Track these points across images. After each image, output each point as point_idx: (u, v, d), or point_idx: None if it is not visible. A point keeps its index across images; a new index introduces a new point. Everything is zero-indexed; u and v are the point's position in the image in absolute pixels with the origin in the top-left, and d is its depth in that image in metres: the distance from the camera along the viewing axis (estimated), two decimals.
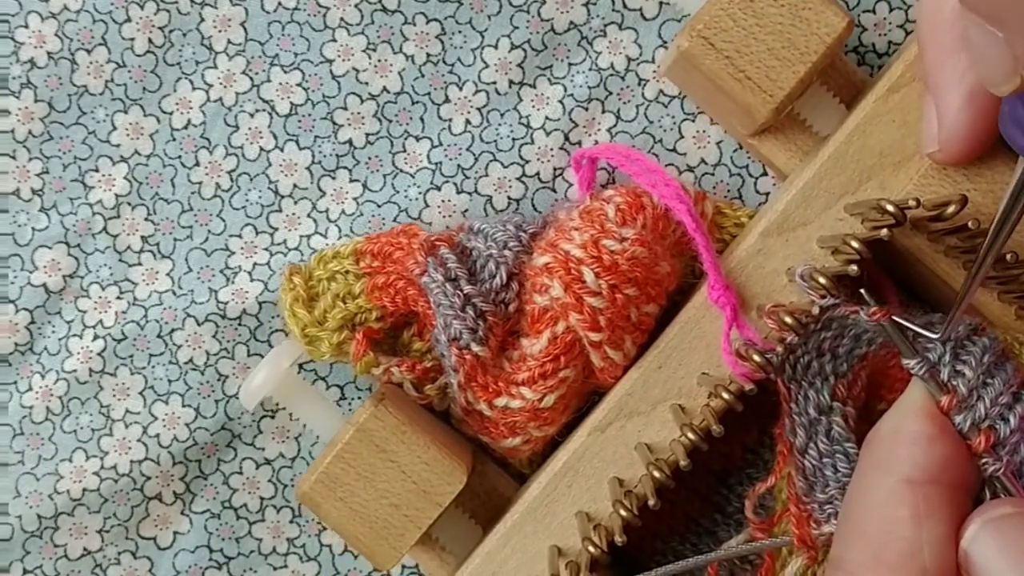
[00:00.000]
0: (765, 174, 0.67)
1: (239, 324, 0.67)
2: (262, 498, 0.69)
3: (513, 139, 0.67)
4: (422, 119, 0.67)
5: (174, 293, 0.68)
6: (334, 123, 0.67)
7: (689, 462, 0.57)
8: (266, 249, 0.68)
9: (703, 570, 0.60)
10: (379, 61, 0.67)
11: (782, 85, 0.59)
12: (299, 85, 0.67)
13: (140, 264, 0.68)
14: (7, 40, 0.67)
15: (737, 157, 0.67)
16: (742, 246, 0.60)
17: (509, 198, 0.67)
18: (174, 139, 0.68)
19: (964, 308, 0.53)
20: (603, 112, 0.67)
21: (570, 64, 0.67)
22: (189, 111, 0.67)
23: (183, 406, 0.67)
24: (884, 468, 0.50)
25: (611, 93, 0.67)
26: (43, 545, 0.68)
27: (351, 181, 0.67)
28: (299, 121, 0.67)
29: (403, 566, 0.69)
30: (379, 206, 0.67)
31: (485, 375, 0.61)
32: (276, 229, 0.68)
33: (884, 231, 0.54)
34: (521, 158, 0.67)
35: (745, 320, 0.58)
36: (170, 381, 0.68)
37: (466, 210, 0.67)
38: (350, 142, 0.67)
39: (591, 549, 0.57)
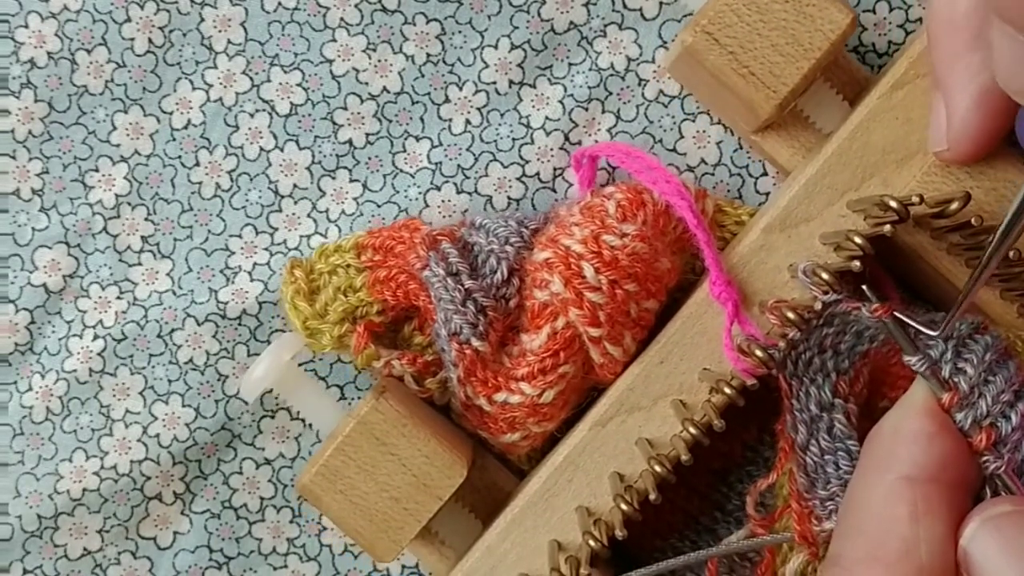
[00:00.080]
0: (765, 174, 0.67)
1: (239, 324, 0.67)
2: (262, 498, 0.69)
3: (513, 139, 0.67)
4: (422, 119, 0.67)
5: (174, 293, 0.67)
6: (334, 123, 0.67)
7: (690, 456, 0.57)
8: (266, 249, 0.67)
9: (703, 566, 0.60)
10: (379, 61, 0.67)
11: (786, 81, 0.59)
12: (299, 85, 0.67)
13: (140, 264, 0.68)
14: (7, 40, 0.67)
15: (737, 157, 0.67)
16: (744, 242, 0.60)
17: (509, 198, 0.67)
18: (174, 139, 0.68)
19: (966, 306, 0.53)
20: (603, 112, 0.67)
21: (570, 64, 0.67)
22: (189, 111, 0.67)
23: (183, 406, 0.67)
24: (884, 466, 0.50)
25: (611, 93, 0.67)
26: (43, 545, 0.68)
27: (351, 181, 0.67)
28: (299, 121, 0.67)
29: (403, 566, 0.69)
30: (379, 206, 0.67)
31: (485, 370, 0.61)
32: (276, 229, 0.68)
33: (887, 227, 0.54)
34: (521, 158, 0.67)
35: (747, 316, 0.58)
36: (170, 381, 0.67)
37: (466, 210, 0.67)
38: (350, 142, 0.67)
39: (591, 543, 0.57)
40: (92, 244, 0.68)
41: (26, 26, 0.67)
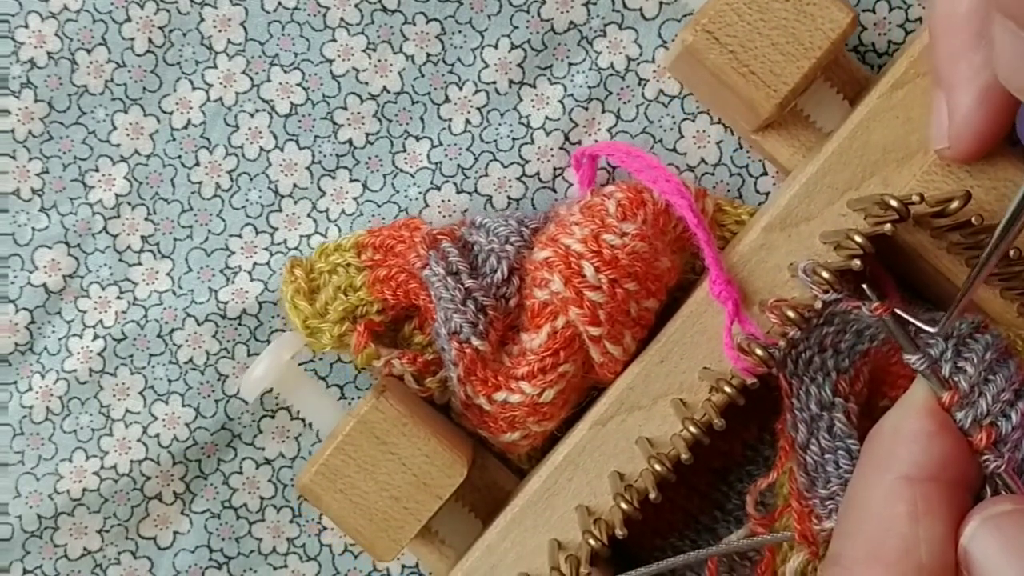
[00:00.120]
0: (765, 174, 0.67)
1: (239, 324, 0.67)
2: (262, 498, 0.69)
3: (513, 139, 0.67)
4: (422, 119, 0.67)
5: (174, 293, 0.67)
6: (334, 123, 0.67)
7: (690, 455, 0.57)
8: (266, 249, 0.67)
9: (703, 565, 0.60)
10: (379, 61, 0.67)
11: (786, 80, 0.59)
12: (299, 85, 0.67)
13: (140, 264, 0.68)
14: (7, 40, 0.67)
15: (737, 157, 0.67)
16: (744, 241, 0.60)
17: (509, 198, 0.67)
18: (174, 139, 0.68)
19: (965, 304, 0.53)
20: (603, 112, 0.67)
21: (570, 64, 0.67)
22: (189, 111, 0.67)
23: (183, 406, 0.67)
24: (884, 465, 0.50)
25: (611, 93, 0.67)
26: (43, 545, 0.68)
27: (351, 181, 0.67)
28: (299, 121, 0.67)
29: (403, 566, 0.69)
30: (379, 206, 0.67)
31: (485, 369, 0.61)
32: (276, 229, 0.68)
33: (887, 226, 0.54)
34: (521, 158, 0.67)
35: (747, 315, 0.58)
36: (170, 381, 0.67)
37: (466, 210, 0.67)
38: (350, 142, 0.67)
39: (591, 542, 0.57)
40: (92, 244, 0.68)
41: (26, 26, 0.67)
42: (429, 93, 0.67)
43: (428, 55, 0.67)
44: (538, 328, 0.60)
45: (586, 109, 0.67)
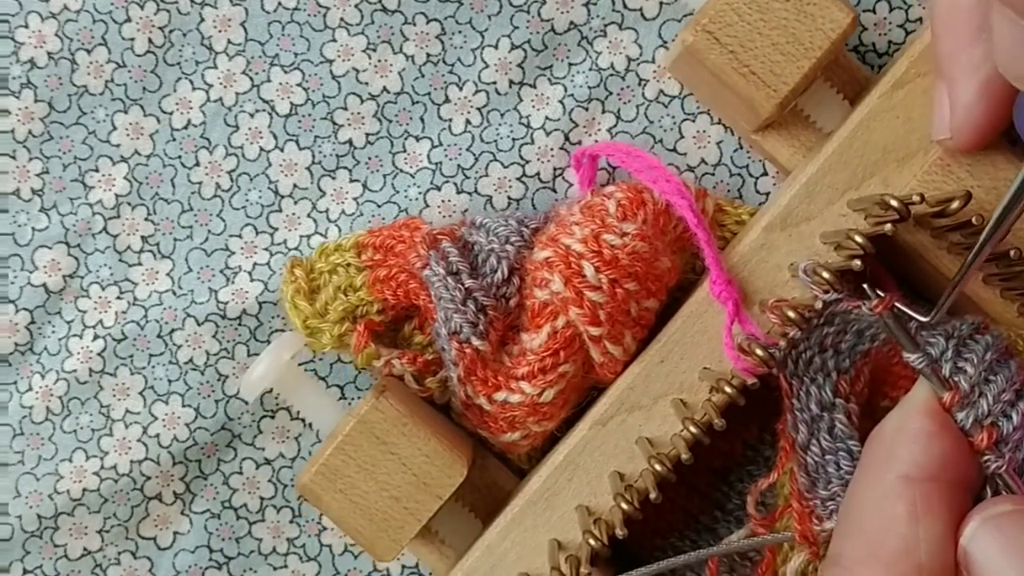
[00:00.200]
0: (765, 174, 0.67)
1: (239, 324, 0.67)
2: (262, 498, 0.69)
3: (513, 139, 0.67)
4: (422, 119, 0.67)
5: (174, 293, 0.67)
6: (334, 123, 0.67)
7: (691, 455, 0.57)
8: (266, 249, 0.67)
9: (703, 565, 0.60)
10: (379, 61, 0.67)
11: (786, 80, 0.59)
12: (299, 85, 0.67)
13: (140, 264, 0.68)
14: (7, 40, 0.67)
15: (737, 157, 0.67)
16: (745, 241, 0.60)
17: (509, 198, 0.67)
18: (174, 139, 0.67)
19: (960, 289, 0.54)
20: (603, 112, 0.67)
21: (570, 64, 0.67)
22: (189, 111, 0.67)
23: (183, 406, 0.67)
24: (884, 465, 0.50)
25: (611, 93, 0.67)
26: (43, 545, 0.68)
27: (351, 181, 0.67)
28: (299, 121, 0.67)
29: (403, 566, 0.69)
30: (379, 206, 0.67)
31: (485, 369, 0.61)
32: (276, 229, 0.68)
33: (887, 226, 0.54)
34: (521, 158, 0.67)
35: (747, 315, 0.58)
36: (170, 381, 0.67)
37: (466, 210, 0.67)
38: (350, 142, 0.67)
39: (591, 542, 0.57)
40: (92, 244, 0.68)
41: (26, 26, 0.67)
42: (429, 93, 0.67)
43: (428, 55, 0.67)
44: (538, 328, 0.60)
45: (586, 109, 0.67)
